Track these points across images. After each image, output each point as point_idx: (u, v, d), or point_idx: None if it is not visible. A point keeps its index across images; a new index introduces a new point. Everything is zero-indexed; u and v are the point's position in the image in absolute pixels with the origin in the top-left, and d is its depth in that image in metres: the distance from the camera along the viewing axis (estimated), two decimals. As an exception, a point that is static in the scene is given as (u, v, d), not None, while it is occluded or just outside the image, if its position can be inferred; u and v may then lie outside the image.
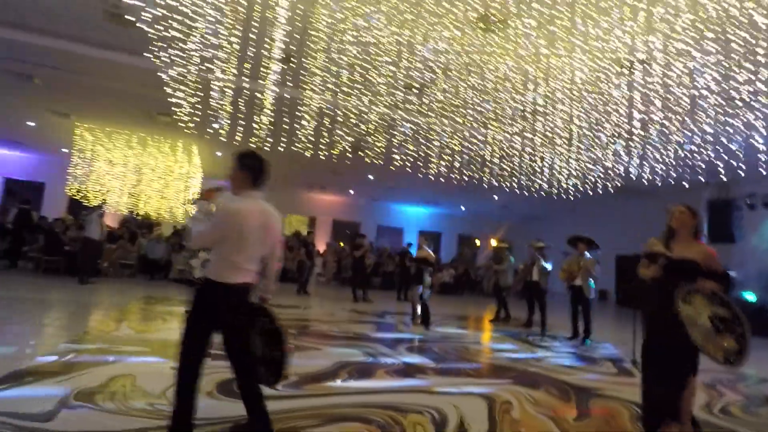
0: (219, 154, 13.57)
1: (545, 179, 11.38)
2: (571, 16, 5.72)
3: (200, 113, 8.23)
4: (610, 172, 10.87)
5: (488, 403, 3.59)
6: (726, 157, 9.41)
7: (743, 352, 2.77)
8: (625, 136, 8.93)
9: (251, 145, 9.05)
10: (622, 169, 10.71)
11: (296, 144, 9.16)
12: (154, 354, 4.10)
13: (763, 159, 8.86)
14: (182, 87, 7.05)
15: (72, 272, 8.90)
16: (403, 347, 5.56)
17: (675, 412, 3.06)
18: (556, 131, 8.95)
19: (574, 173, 10.94)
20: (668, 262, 3.22)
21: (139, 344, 4.40)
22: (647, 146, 9.38)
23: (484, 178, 11.30)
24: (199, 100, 7.68)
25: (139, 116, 10.76)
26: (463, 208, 20.85)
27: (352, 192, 18.78)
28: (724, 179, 11.33)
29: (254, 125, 8.60)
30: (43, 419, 2.50)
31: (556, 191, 11.85)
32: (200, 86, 7.45)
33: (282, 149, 9.56)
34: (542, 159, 10.42)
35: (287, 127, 8.85)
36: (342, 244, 16.91)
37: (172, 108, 8.19)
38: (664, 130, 8.44)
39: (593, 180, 11.26)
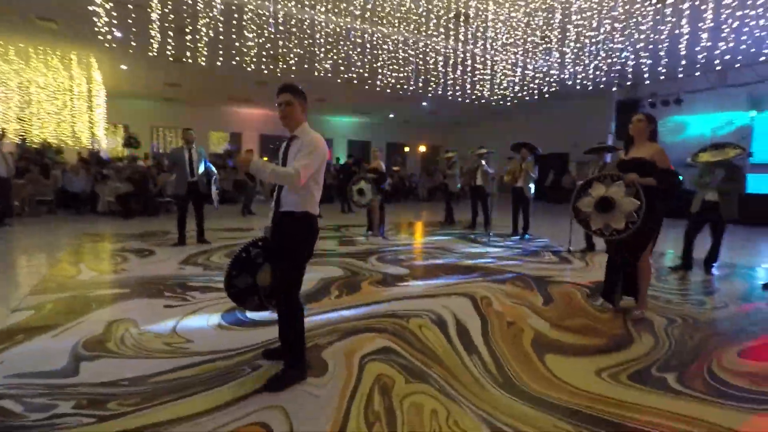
0: (124, 67, 11.88)
1: (473, 84, 11.59)
2: None
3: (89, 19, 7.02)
4: (532, 77, 11.30)
5: (471, 301, 4.06)
6: (632, 62, 10.18)
7: (625, 231, 3.55)
8: (547, 41, 9.23)
9: (153, 53, 7.97)
10: (542, 74, 11.18)
11: (202, 53, 8.22)
12: (137, 294, 3.96)
13: (663, 63, 9.74)
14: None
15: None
16: (374, 258, 5.88)
17: (632, 288, 3.79)
18: (485, 36, 8.97)
19: (499, 79, 11.22)
20: (620, 162, 3.74)
21: (114, 286, 4.19)
22: (565, 50, 9.77)
23: (413, 85, 11.23)
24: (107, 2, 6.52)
25: (14, 22, 8.89)
26: (392, 116, 20.76)
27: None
28: (630, 83, 12.39)
29: (167, 34, 7.53)
30: (69, 374, 2.43)
31: (482, 96, 12.17)
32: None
33: (203, 62, 8.60)
34: (471, 64, 10.49)
35: (192, 36, 7.86)
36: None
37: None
38: (582, 35, 8.80)
39: (515, 85, 11.67)
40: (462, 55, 9.89)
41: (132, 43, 8.46)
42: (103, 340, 2.92)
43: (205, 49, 7.80)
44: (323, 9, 7.54)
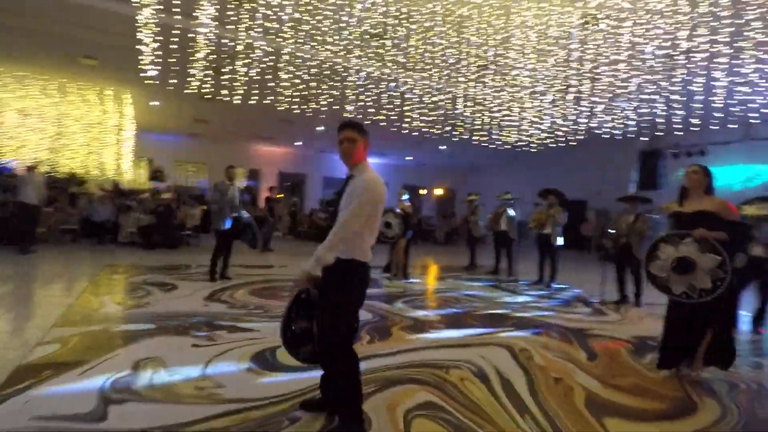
0: (156, 103, 12.28)
1: (494, 130, 11.68)
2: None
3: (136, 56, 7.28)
4: (553, 124, 11.35)
5: (509, 352, 3.83)
6: (657, 112, 10.21)
7: (715, 291, 3.20)
8: (570, 89, 9.33)
9: (189, 89, 8.21)
10: (570, 122, 11.24)
11: (237, 92, 8.40)
12: (163, 331, 3.82)
13: (688, 114, 9.77)
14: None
15: (3, 240, 7.87)
16: (400, 302, 5.69)
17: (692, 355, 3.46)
18: (507, 82, 9.10)
19: (527, 125, 11.30)
20: (678, 214, 3.54)
21: (139, 321, 4.07)
22: (589, 99, 9.85)
23: (434, 130, 11.34)
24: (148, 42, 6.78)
25: (60, 58, 9.31)
26: (409, 158, 20.98)
27: (299, 143, 18.08)
28: (655, 133, 12.42)
29: (202, 72, 7.76)
30: (97, 419, 2.27)
31: (503, 142, 12.23)
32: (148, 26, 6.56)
33: (227, 99, 8.80)
34: (491, 111, 10.61)
35: (230, 75, 8.07)
36: (280, 195, 16.30)
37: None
38: (605, 85, 8.89)
39: (538, 132, 11.72)
40: (491, 101, 10.01)
41: (170, 80, 8.74)
42: (132, 381, 2.76)
43: (243, 87, 7.99)
44: (358, 54, 7.76)
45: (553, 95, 9.60)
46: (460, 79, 9.00)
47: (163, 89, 10.23)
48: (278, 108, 9.28)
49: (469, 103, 9.87)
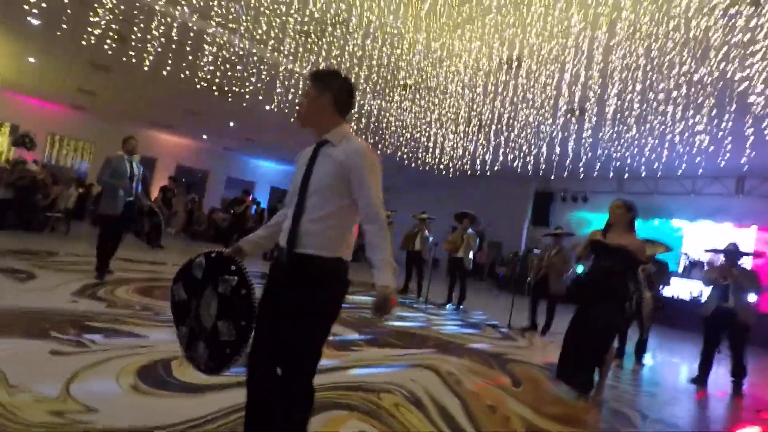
0: (32, 60, 10.28)
1: (410, 153, 11.89)
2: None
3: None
4: (465, 152, 11.92)
5: (437, 376, 3.57)
6: (552, 156, 11.29)
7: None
8: (483, 125, 9.92)
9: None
10: (472, 153, 11.88)
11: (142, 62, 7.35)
12: (8, 332, 2.86)
13: (575, 162, 10.97)
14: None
15: None
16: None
17: (598, 370, 3.60)
18: (430, 109, 9.36)
19: (436, 152, 11.67)
20: (600, 244, 3.70)
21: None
22: (498, 136, 10.53)
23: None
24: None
25: None
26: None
27: (204, 137, 16.60)
28: (546, 175, 13.69)
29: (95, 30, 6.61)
30: None
31: (421, 163, 12.51)
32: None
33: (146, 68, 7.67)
34: (411, 133, 10.80)
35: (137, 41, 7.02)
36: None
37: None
38: (512, 125, 9.60)
39: (449, 160, 12.21)
40: (410, 122, 10.12)
41: (57, 33, 7.33)
42: (-51, 400, 1.92)
43: (149, 58, 6.93)
44: (286, 51, 7.25)
45: (471, 126, 10.04)
46: (387, 97, 8.98)
47: (44, 44, 8.65)
48: (197, 87, 8.27)
49: (392, 119, 9.85)
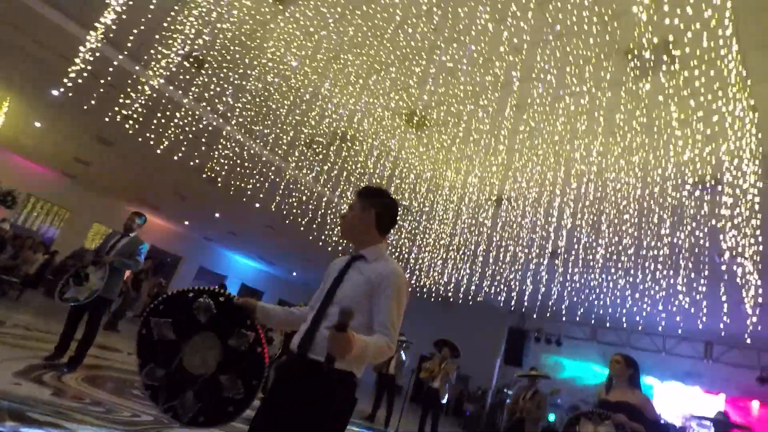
0: (38, 125, 10.46)
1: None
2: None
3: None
4: (448, 281, 12.05)
5: None
6: (530, 295, 11.51)
7: None
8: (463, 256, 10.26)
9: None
10: (447, 284, 12.04)
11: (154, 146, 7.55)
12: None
13: (549, 304, 11.19)
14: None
15: None
16: None
17: None
18: (419, 232, 9.71)
19: (421, 275, 11.78)
20: (604, 402, 3.54)
21: None
22: (482, 267, 10.80)
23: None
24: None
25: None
26: (294, 274, 20.18)
27: (186, 222, 16.46)
28: (520, 313, 13.80)
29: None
30: None
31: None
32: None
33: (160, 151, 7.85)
34: (398, 252, 11.00)
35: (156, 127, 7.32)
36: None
37: None
38: (497, 258, 9.93)
39: (432, 284, 12.28)
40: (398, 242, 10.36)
41: (77, 107, 7.59)
42: None
43: (165, 143, 7.14)
44: (294, 162, 7.70)
45: (459, 254, 10.33)
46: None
47: (62, 113, 8.90)
48: (204, 175, 8.42)
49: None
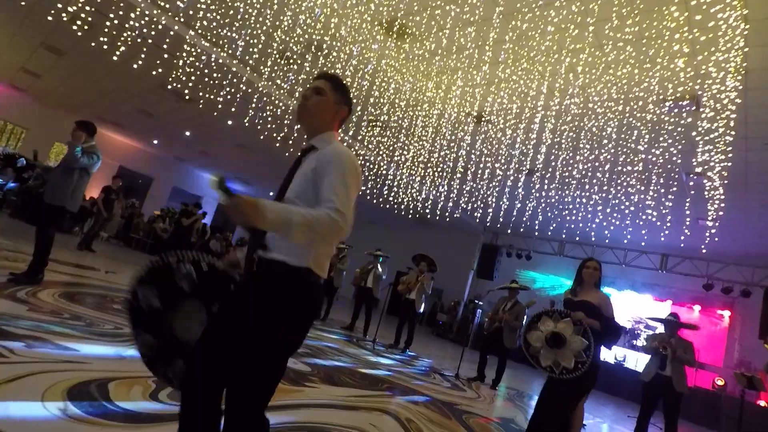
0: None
1: (373, 190, 11.97)
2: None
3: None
4: (418, 200, 12.18)
5: (398, 422, 3.36)
6: (503, 211, 11.83)
7: (574, 371, 3.42)
8: (443, 174, 10.28)
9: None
10: (425, 200, 12.19)
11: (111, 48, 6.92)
12: None
13: (522, 221, 11.59)
14: None
15: None
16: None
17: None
18: (397, 149, 9.58)
19: (399, 192, 11.83)
20: (568, 301, 3.76)
21: None
22: (460, 184, 10.92)
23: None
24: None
25: None
26: (271, 194, 20.02)
27: (156, 142, 15.74)
28: (493, 230, 14.26)
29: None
30: None
31: (380, 203, 12.58)
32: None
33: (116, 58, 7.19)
34: (375, 170, 10.93)
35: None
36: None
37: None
38: (474, 175, 10.01)
39: (409, 201, 12.41)
40: (371, 158, 10.22)
41: (13, 4, 6.75)
42: None
43: (121, 49, 6.50)
44: (266, 73, 7.17)
45: (436, 171, 10.31)
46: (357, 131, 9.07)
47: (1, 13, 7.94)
48: (169, 87, 7.86)
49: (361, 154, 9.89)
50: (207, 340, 1.42)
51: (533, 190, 9.52)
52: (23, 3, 6.06)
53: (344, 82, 1.69)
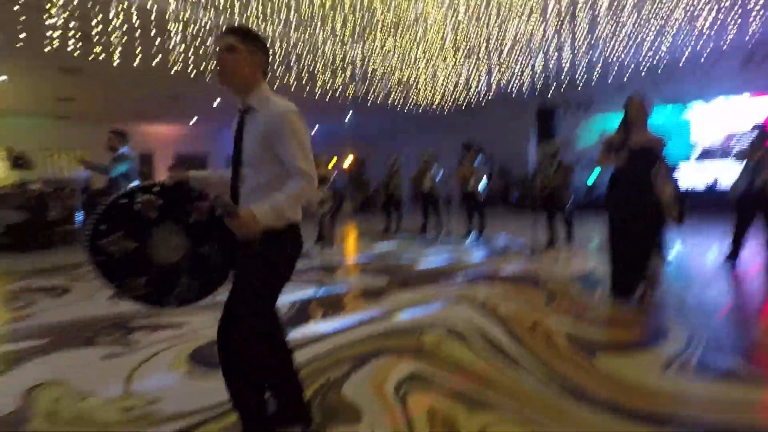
0: (4, 78, 10.01)
1: (402, 96, 11.53)
2: None
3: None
4: (457, 85, 11.47)
5: (474, 306, 3.64)
6: (548, 69, 10.79)
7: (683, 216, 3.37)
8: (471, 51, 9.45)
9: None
10: (464, 85, 11.43)
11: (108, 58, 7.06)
12: (59, 345, 2.98)
13: (578, 71, 10.51)
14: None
15: None
16: (340, 270, 5.29)
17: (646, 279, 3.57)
18: (413, 46, 8.92)
19: (428, 89, 11.25)
20: (631, 152, 3.54)
21: (23, 337, 3.14)
22: (489, 59, 10.06)
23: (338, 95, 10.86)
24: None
25: None
26: (317, 126, 20.12)
27: (194, 119, 16.33)
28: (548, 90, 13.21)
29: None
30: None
31: (412, 105, 12.17)
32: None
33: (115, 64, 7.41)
34: (399, 75, 10.39)
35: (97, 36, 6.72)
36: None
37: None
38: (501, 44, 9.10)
39: (442, 95, 11.79)
40: (381, 64, 9.73)
41: (18, 46, 7.06)
42: (25, 417, 2.03)
43: (117, 51, 6.66)
44: (249, 13, 6.89)
45: (459, 52, 9.61)
46: (368, 37, 8.57)
47: (8, 60, 8.38)
48: (170, 74, 8.02)
49: (376, 63, 9.47)
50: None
51: (580, 34, 8.51)
52: (19, 45, 6.32)
53: (250, 29, 1.67)
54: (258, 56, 1.65)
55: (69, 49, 7.09)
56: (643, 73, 11.72)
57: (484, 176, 7.73)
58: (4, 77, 9.97)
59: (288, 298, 4.01)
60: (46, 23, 5.93)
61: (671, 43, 8.95)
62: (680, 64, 10.18)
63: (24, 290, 4.65)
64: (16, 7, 5.73)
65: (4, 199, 7.89)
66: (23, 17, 5.94)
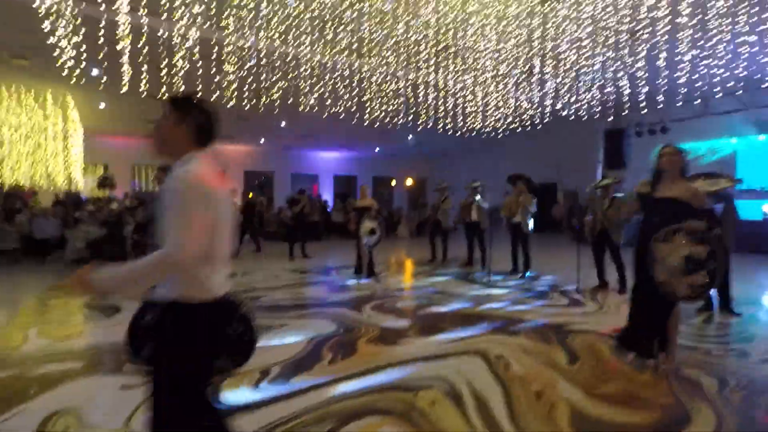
0: (103, 105, 11.42)
1: (464, 116, 11.39)
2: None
3: (76, 55, 6.62)
4: (518, 108, 11.12)
5: (485, 362, 3.50)
6: (621, 90, 10.10)
7: (711, 285, 2.96)
8: (533, 70, 9.11)
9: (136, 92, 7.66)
10: (527, 104, 11.03)
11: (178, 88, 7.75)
12: (90, 370, 3.32)
13: (644, 90, 9.71)
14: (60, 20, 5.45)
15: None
16: (369, 307, 5.31)
17: (662, 339, 3.26)
18: (468, 66, 8.80)
19: (491, 110, 11.03)
20: (650, 198, 3.29)
21: (66, 358, 3.55)
22: (553, 82, 9.64)
23: (402, 119, 10.97)
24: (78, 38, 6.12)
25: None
26: (377, 149, 20.55)
27: (262, 141, 17.44)
28: (616, 111, 12.38)
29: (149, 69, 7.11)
30: None
31: (472, 129, 11.99)
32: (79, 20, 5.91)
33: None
34: (462, 96, 10.30)
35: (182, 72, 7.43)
36: (251, 195, 15.51)
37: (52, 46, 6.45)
38: (572, 65, 8.68)
39: (503, 116, 11.49)
40: (452, 87, 9.69)
41: (105, 78, 8.05)
42: (34, 447, 2.29)
43: (182, 84, 7.38)
44: (308, 41, 7.26)
45: (516, 77, 9.38)
46: (420, 64, 8.65)
47: (104, 89, 9.50)
48: (227, 105, 8.69)
49: (431, 90, 9.51)
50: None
51: (641, 51, 7.94)
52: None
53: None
54: (183, 125, 1.58)
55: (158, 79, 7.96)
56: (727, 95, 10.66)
57: (532, 209, 7.40)
58: (103, 104, 11.37)
59: (305, 334, 4.13)
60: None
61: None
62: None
63: (87, 307, 5.22)
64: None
65: (91, 216, 8.95)
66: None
